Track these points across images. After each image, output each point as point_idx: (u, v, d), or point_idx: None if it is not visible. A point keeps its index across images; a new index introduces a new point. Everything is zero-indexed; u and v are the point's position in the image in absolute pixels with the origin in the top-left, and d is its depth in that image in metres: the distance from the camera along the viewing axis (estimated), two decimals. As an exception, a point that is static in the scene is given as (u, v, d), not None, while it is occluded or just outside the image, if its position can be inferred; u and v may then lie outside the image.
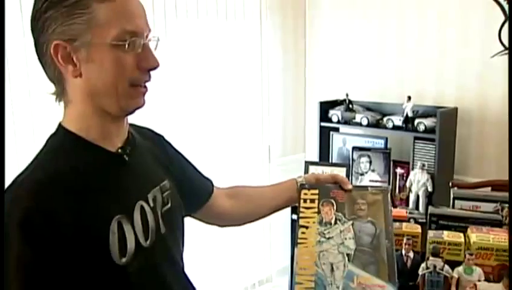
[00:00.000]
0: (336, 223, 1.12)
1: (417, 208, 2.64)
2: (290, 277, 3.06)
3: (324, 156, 3.15)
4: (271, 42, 3.21)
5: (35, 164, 0.90)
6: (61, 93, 0.92)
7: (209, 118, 2.92)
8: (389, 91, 3.04)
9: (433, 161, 2.64)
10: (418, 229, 1.47)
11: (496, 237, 1.36)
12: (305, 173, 2.85)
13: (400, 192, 2.84)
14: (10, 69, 2.04)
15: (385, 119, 2.85)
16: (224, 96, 2.99)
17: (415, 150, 2.73)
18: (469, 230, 1.43)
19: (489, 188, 2.28)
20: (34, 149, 2.13)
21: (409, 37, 2.92)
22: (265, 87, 3.23)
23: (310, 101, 3.46)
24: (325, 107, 3.09)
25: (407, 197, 2.72)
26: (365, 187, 1.21)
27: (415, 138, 2.72)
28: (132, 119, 1.01)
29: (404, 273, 1.36)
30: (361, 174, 2.91)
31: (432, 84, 2.86)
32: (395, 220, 1.43)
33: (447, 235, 1.40)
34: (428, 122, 2.65)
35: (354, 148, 2.93)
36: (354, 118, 2.98)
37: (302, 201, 1.17)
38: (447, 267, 1.31)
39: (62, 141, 0.93)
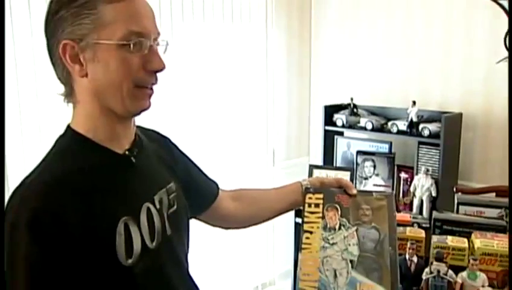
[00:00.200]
0: (340, 228, 1.12)
1: (421, 212, 2.64)
2: (293, 281, 3.07)
3: (328, 160, 3.15)
4: (276, 46, 3.22)
5: (44, 165, 0.91)
6: (69, 94, 0.93)
7: (213, 121, 2.93)
8: (394, 96, 3.04)
9: (437, 165, 2.64)
10: (422, 233, 1.47)
11: (500, 243, 1.36)
12: (309, 176, 2.85)
13: (403, 197, 2.84)
14: (18, 71, 2.06)
15: (390, 123, 2.86)
16: (229, 99, 3.00)
17: (419, 154, 2.73)
18: (473, 235, 1.43)
19: (494, 194, 2.27)
20: (40, 150, 2.15)
21: (414, 41, 2.93)
22: (270, 90, 3.24)
23: (315, 105, 3.46)
24: (330, 111, 3.09)
25: (411, 202, 2.72)
26: (370, 192, 1.21)
27: (420, 143, 2.72)
28: (138, 120, 1.02)
29: (407, 277, 1.36)
30: (366, 179, 2.91)
31: (437, 89, 2.87)
32: (398, 225, 1.44)
33: (451, 240, 1.40)
34: (433, 127, 2.66)
35: (359, 153, 2.93)
36: (359, 122, 2.98)
37: (306, 205, 1.17)
38: (450, 272, 1.31)
39: (70, 143, 0.94)
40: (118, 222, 0.88)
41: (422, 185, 2.62)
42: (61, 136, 0.95)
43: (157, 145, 1.10)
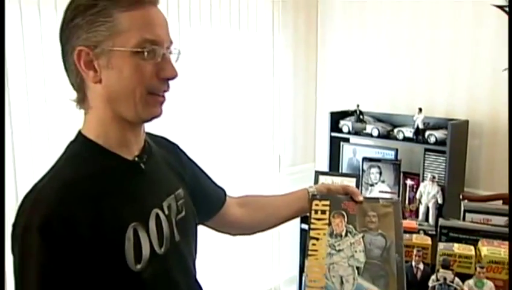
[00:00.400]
0: (346, 235, 1.12)
1: (427, 220, 2.64)
2: (299, 287, 3.06)
3: (334, 166, 3.15)
4: (283, 52, 3.24)
5: (55, 170, 0.92)
6: (81, 100, 0.95)
7: (219, 127, 2.94)
8: (400, 102, 3.05)
9: (443, 173, 2.64)
10: (428, 240, 1.47)
11: (507, 251, 1.35)
12: (315, 182, 2.85)
13: (409, 203, 2.83)
14: (28, 77, 2.08)
15: (396, 130, 2.86)
16: (235, 105, 3.01)
17: (426, 161, 2.73)
18: (480, 243, 1.43)
19: (501, 201, 2.27)
20: (49, 155, 2.17)
21: (420, 48, 2.93)
22: (277, 96, 3.25)
23: (321, 111, 3.47)
24: (336, 117, 3.10)
25: (417, 209, 2.72)
26: (376, 199, 1.21)
27: (426, 150, 2.72)
28: (146, 127, 1.03)
29: (414, 284, 1.36)
30: (371, 185, 2.91)
31: (443, 97, 2.87)
32: (405, 232, 1.43)
33: (457, 248, 1.40)
34: (439, 134, 2.66)
35: (364, 159, 2.94)
36: (365, 129, 2.99)
37: (313, 212, 1.17)
38: (457, 279, 1.31)
39: (80, 148, 0.95)
40: (127, 227, 0.89)
41: (428, 192, 2.61)
42: (72, 142, 0.97)
43: (166, 152, 1.12)
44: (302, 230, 2.87)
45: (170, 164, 1.10)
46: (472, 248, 1.41)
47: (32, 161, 2.12)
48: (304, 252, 1.12)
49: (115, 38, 0.88)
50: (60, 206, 0.84)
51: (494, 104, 2.66)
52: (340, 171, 3.13)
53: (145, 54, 0.89)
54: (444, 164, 2.63)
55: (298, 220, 2.78)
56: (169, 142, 1.18)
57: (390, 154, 2.94)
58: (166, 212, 0.99)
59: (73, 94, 0.96)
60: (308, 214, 1.19)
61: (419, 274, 1.38)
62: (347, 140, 3.16)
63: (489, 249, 1.37)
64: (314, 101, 3.51)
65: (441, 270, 1.32)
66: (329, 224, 1.14)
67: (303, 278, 1.08)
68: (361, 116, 3.05)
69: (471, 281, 1.30)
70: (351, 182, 2.80)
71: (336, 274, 1.07)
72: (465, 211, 1.69)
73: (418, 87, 2.98)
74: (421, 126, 2.74)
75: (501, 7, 2.49)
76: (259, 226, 1.34)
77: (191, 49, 2.68)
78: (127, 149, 0.97)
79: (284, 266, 3.39)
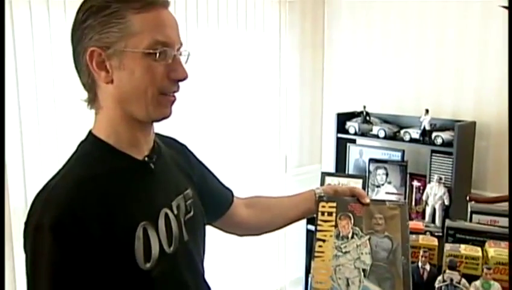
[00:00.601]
0: (352, 237, 1.13)
1: (433, 221, 2.63)
2: (304, 288, 3.06)
3: (341, 167, 3.16)
4: (289, 53, 3.24)
5: (66, 170, 0.94)
6: (92, 100, 0.96)
7: (226, 127, 2.95)
8: (407, 104, 3.05)
9: (450, 174, 2.63)
10: (434, 241, 1.47)
11: (514, 252, 1.36)
12: (321, 183, 2.86)
13: (416, 205, 2.83)
14: (37, 77, 2.10)
15: (402, 131, 2.86)
16: (242, 106, 3.03)
17: (432, 163, 2.72)
18: (487, 244, 1.43)
19: (508, 203, 2.26)
20: (57, 155, 2.19)
21: (427, 49, 2.93)
22: (283, 97, 3.26)
23: (327, 113, 3.47)
24: (342, 118, 3.10)
25: (424, 211, 2.72)
26: (383, 201, 1.22)
27: (432, 151, 2.72)
28: (155, 127, 1.04)
29: (420, 285, 1.36)
30: (378, 186, 2.91)
31: (450, 98, 2.86)
32: (411, 233, 1.44)
33: (464, 249, 1.40)
34: (446, 135, 2.65)
35: (371, 160, 2.94)
36: (371, 130, 2.99)
37: (320, 214, 1.18)
38: (464, 280, 1.31)
39: (91, 148, 0.96)
40: (137, 226, 0.90)
41: (435, 194, 2.61)
42: (83, 142, 0.98)
43: (175, 152, 1.13)
44: (308, 231, 2.88)
45: (179, 165, 1.11)
46: (479, 249, 1.41)
47: (41, 160, 2.14)
48: (310, 254, 1.12)
49: (127, 39, 0.89)
50: (72, 205, 0.85)
51: (502, 105, 2.65)
52: (346, 172, 3.13)
53: (157, 55, 0.90)
54: (450, 166, 2.63)
55: (304, 221, 2.79)
56: (178, 143, 1.19)
57: (397, 156, 2.94)
58: (175, 211, 1.00)
59: (84, 94, 0.97)
60: (314, 216, 1.20)
61: (425, 275, 1.39)
62: (353, 141, 3.17)
63: (496, 250, 1.37)
64: (321, 102, 3.52)
65: (448, 271, 1.32)
66: (336, 226, 1.15)
67: (309, 280, 1.09)
68: (367, 118, 3.05)
69: (478, 283, 1.30)
70: (357, 183, 2.80)
71: (342, 276, 1.07)
72: (471, 212, 1.69)
73: (424, 88, 2.97)
74: (427, 127, 2.73)
75: (507, 7, 2.48)
76: (266, 227, 1.35)
77: (198, 50, 2.69)
78: (137, 149, 0.98)
79: (290, 267, 3.39)
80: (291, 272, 3.39)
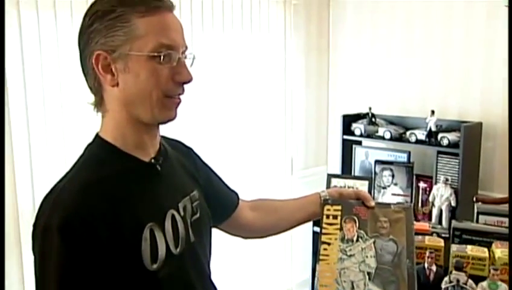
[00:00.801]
0: (357, 240, 1.13)
1: (440, 222, 2.63)
2: (311, 291, 3.05)
3: (346, 169, 3.15)
4: (295, 55, 3.25)
5: (74, 172, 0.95)
6: (99, 103, 0.97)
7: (232, 129, 2.96)
8: (413, 105, 3.04)
9: (456, 175, 2.63)
10: (441, 242, 1.47)
11: (521, 253, 1.35)
12: (327, 185, 2.86)
13: (422, 206, 2.82)
14: (44, 81, 2.12)
15: (408, 133, 2.85)
16: (247, 108, 3.03)
17: (438, 164, 2.72)
18: (494, 245, 1.42)
19: (514, 204, 2.25)
20: (64, 158, 2.21)
21: (432, 50, 2.93)
22: (289, 99, 3.27)
23: (333, 114, 3.48)
24: (348, 120, 3.11)
25: (430, 212, 2.71)
26: (388, 205, 1.22)
27: (439, 152, 2.71)
28: (161, 129, 1.05)
29: (426, 286, 1.36)
30: (384, 188, 2.91)
31: (456, 99, 2.86)
32: (418, 234, 1.44)
33: (470, 250, 1.40)
34: (452, 136, 2.65)
35: (377, 162, 2.93)
36: (377, 132, 2.99)
37: (325, 217, 1.18)
38: (470, 281, 1.30)
39: (98, 150, 0.97)
40: (144, 227, 0.91)
41: (441, 195, 2.61)
42: (90, 144, 0.99)
43: (181, 155, 1.14)
44: (314, 233, 2.88)
45: (185, 167, 1.12)
46: (486, 250, 1.40)
47: (49, 163, 2.16)
48: (316, 256, 1.12)
49: (132, 42, 0.90)
50: (79, 207, 0.86)
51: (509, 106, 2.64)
52: (352, 174, 3.13)
53: (161, 58, 0.91)
54: (457, 167, 2.62)
55: (311, 223, 2.78)
56: (185, 145, 1.20)
57: (403, 157, 2.93)
58: (182, 213, 1.01)
59: (91, 97, 0.98)
60: (319, 219, 1.20)
61: (432, 276, 1.39)
62: (359, 143, 3.16)
63: (503, 251, 1.37)
64: (327, 104, 3.52)
65: (454, 272, 1.32)
66: (341, 229, 1.15)
67: (315, 283, 1.09)
68: (373, 119, 3.05)
69: (484, 283, 1.30)
70: (363, 185, 2.80)
71: (347, 279, 1.07)
72: (478, 213, 1.68)
73: (430, 89, 2.97)
74: (433, 129, 2.73)
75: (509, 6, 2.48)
76: (271, 229, 1.35)
77: (203, 53, 2.70)
78: (143, 151, 0.99)
79: (297, 269, 3.39)
80: (297, 274, 3.39)
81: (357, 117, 3.14)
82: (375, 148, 3.09)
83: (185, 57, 0.97)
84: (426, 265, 1.40)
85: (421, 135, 2.78)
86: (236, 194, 1.30)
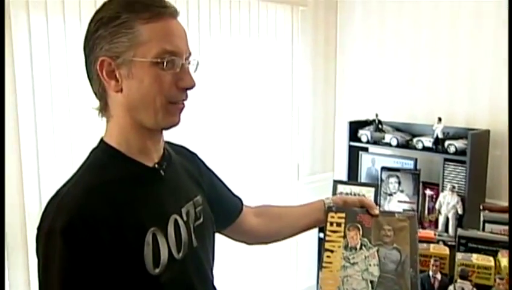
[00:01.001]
0: (361, 248, 1.13)
1: (446, 230, 2.61)
2: (316, 296, 3.04)
3: (353, 175, 3.14)
4: (302, 61, 3.25)
5: (78, 176, 0.96)
6: (103, 109, 0.98)
7: (238, 135, 2.96)
8: (419, 112, 3.03)
9: (463, 183, 2.61)
10: (445, 250, 1.46)
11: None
12: (333, 191, 2.85)
13: (429, 214, 2.81)
14: (52, 86, 2.14)
15: (415, 140, 2.84)
16: (254, 114, 3.04)
17: (445, 171, 2.70)
18: (500, 254, 1.41)
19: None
20: (72, 162, 2.22)
21: (439, 57, 2.92)
22: (296, 105, 3.27)
23: (340, 121, 3.47)
24: (355, 126, 3.10)
25: (436, 219, 2.69)
26: (392, 213, 1.21)
27: (445, 160, 2.70)
28: (166, 135, 1.06)
29: (431, 295, 1.35)
30: (390, 195, 2.89)
31: (463, 106, 2.84)
32: (423, 241, 1.43)
33: (476, 258, 1.38)
34: (459, 144, 2.63)
35: (383, 169, 2.92)
36: (384, 139, 2.98)
37: (328, 224, 1.18)
38: (475, 290, 1.30)
39: (102, 155, 0.98)
40: (147, 232, 0.91)
41: (447, 203, 2.59)
42: (94, 149, 1.00)
43: (185, 160, 1.14)
44: (320, 239, 2.87)
45: (189, 172, 1.12)
46: (491, 258, 1.39)
47: (56, 167, 2.17)
48: (320, 264, 1.12)
49: (136, 49, 0.91)
50: (83, 211, 0.87)
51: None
52: (358, 180, 3.12)
53: (165, 64, 0.92)
54: (464, 174, 2.60)
55: (316, 229, 2.77)
56: (189, 151, 1.21)
57: (410, 164, 2.92)
58: (185, 218, 1.01)
59: (96, 102, 0.99)
60: (324, 226, 1.20)
61: (436, 284, 1.38)
62: (366, 149, 3.16)
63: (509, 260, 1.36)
64: (333, 110, 3.52)
65: (459, 280, 1.31)
66: (345, 237, 1.15)
67: (317, 290, 1.09)
68: (380, 126, 3.04)
69: (490, 293, 1.29)
70: (369, 192, 2.79)
71: (350, 287, 1.07)
72: (484, 221, 1.67)
73: (437, 96, 2.96)
74: (440, 136, 2.72)
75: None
76: (275, 236, 1.35)
77: (211, 58, 2.71)
78: (147, 156, 0.99)
79: (302, 276, 3.38)
80: (302, 281, 3.38)
81: (363, 124, 3.13)
82: (381, 155, 3.08)
83: (189, 63, 0.97)
84: (431, 273, 1.39)
85: (428, 142, 2.76)
86: (240, 200, 1.30)
